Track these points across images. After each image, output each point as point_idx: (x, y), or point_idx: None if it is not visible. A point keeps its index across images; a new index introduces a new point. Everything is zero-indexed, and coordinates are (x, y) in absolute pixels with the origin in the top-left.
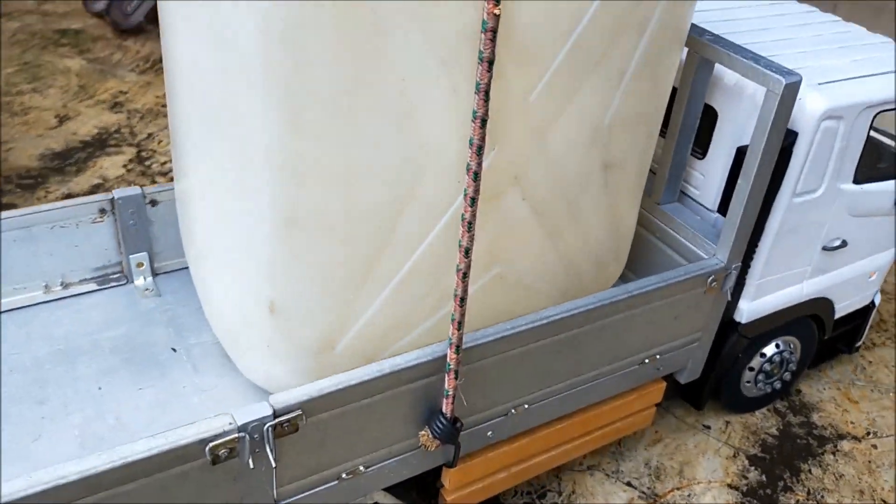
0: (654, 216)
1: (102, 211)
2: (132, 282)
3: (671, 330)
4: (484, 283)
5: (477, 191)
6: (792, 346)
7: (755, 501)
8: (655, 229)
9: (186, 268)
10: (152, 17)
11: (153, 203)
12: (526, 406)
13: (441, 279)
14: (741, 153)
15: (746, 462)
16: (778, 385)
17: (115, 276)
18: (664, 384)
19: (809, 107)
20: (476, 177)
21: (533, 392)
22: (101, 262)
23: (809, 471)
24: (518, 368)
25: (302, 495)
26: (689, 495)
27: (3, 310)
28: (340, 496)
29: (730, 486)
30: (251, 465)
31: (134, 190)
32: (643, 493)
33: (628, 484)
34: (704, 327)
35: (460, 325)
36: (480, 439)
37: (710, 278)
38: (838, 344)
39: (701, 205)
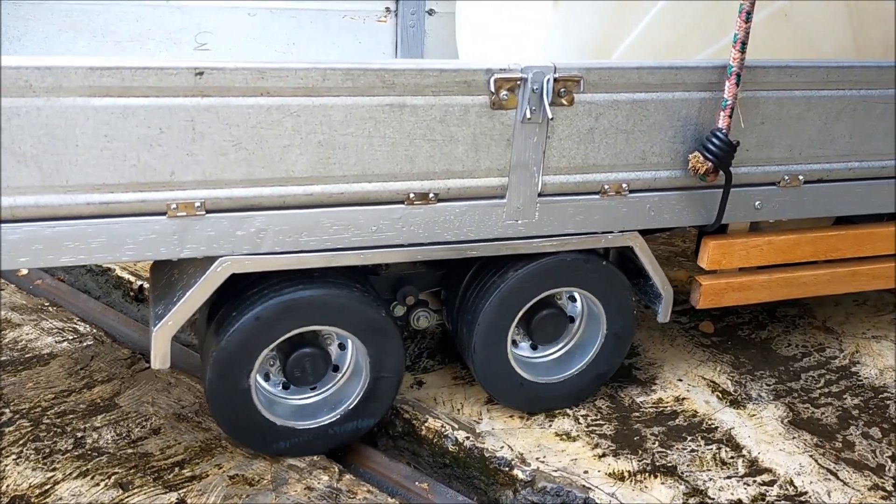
0: None
1: (388, 10)
2: None
3: None
4: (765, 16)
5: None
6: None
7: None
8: None
9: None
10: None
11: (431, 13)
12: (801, 178)
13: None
14: None
15: None
16: None
17: None
18: None
19: None
20: None
21: (810, 157)
22: None
23: None
24: (797, 122)
25: (563, 198)
26: None
27: None
28: (599, 218)
29: None
30: (527, 116)
31: None
32: None
33: None
34: None
35: (743, 45)
36: (747, 209)
37: None
38: None
39: None
